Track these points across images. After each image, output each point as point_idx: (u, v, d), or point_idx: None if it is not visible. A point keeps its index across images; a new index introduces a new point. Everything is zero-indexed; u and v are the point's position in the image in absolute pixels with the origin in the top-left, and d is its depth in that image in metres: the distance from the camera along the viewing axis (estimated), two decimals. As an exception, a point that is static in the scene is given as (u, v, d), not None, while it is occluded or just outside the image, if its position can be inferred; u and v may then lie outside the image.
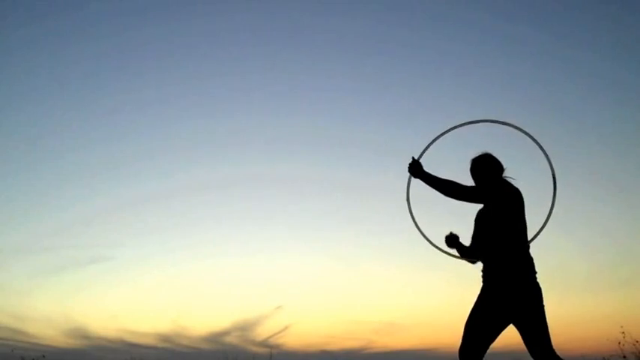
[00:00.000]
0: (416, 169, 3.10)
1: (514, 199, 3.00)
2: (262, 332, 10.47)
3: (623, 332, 6.64)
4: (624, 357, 6.63)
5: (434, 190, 3.03)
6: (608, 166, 12.42)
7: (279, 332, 10.03)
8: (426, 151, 3.29)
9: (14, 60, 12.23)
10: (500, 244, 2.96)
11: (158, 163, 12.68)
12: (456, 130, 3.28)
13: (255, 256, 11.72)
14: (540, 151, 3.29)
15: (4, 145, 12.26)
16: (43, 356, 7.67)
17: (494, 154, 3.13)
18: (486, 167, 3.09)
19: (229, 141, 12.60)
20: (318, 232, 11.48)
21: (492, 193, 2.99)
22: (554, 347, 2.89)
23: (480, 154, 3.14)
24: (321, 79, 12.80)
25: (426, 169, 3.07)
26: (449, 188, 2.98)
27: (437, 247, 3.25)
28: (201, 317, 11.00)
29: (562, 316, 10.76)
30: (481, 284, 3.05)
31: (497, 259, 2.96)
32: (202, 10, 12.50)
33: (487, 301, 2.98)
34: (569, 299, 11.27)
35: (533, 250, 3.01)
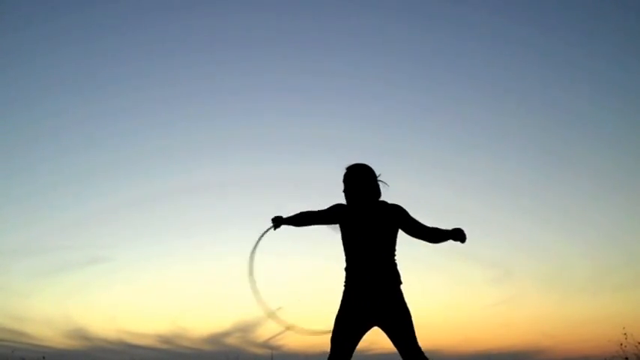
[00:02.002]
0: (278, 221, 3.39)
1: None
2: (263, 333, 10.43)
3: (625, 334, 6.62)
4: (626, 358, 6.60)
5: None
6: (610, 167, 12.39)
7: (280, 334, 9.99)
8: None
9: (14, 60, 12.24)
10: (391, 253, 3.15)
11: (158, 163, 12.68)
12: None
13: (256, 257, 11.67)
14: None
15: (3, 145, 12.26)
16: (43, 357, 7.67)
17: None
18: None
19: (229, 141, 12.59)
20: (319, 233, 11.43)
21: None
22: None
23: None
24: (322, 80, 12.78)
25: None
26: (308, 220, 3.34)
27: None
28: (201, 318, 10.98)
29: (564, 317, 10.75)
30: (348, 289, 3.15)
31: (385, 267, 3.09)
32: (202, 11, 12.49)
33: (354, 304, 3.09)
34: (571, 300, 11.25)
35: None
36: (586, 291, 11.32)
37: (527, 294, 11.40)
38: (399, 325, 3.03)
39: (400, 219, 3.16)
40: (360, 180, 3.17)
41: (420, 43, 12.58)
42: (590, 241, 11.89)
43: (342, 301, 3.15)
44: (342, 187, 3.25)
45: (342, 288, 3.18)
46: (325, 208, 3.28)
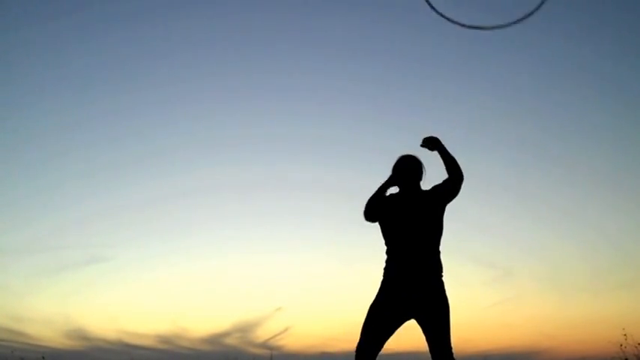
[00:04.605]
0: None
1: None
2: (262, 334, 10.44)
3: (625, 334, 6.61)
4: (626, 359, 6.59)
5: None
6: (610, 167, 12.40)
7: (280, 334, 10.01)
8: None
9: (14, 60, 12.23)
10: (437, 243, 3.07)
11: (158, 163, 12.67)
12: None
13: (255, 257, 11.69)
14: None
15: (3, 145, 12.26)
16: (43, 358, 7.65)
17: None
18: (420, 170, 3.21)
19: (229, 142, 12.59)
20: (319, 233, 11.45)
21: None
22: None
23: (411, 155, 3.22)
24: (322, 80, 12.79)
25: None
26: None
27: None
28: (201, 318, 10.98)
29: (564, 318, 10.74)
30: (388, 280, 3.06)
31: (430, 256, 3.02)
32: (201, 12, 12.50)
33: (393, 292, 3.01)
34: (570, 301, 11.24)
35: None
36: (586, 291, 11.33)
37: (527, 294, 11.41)
38: (437, 318, 2.93)
39: (437, 191, 3.11)
40: (412, 169, 3.15)
41: (420, 43, 12.58)
42: (590, 241, 11.90)
43: (381, 288, 3.04)
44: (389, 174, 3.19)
45: (381, 277, 3.07)
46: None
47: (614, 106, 12.53)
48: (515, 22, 3.27)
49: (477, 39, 12.62)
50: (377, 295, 3.04)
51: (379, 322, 2.97)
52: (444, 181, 3.13)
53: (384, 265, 3.10)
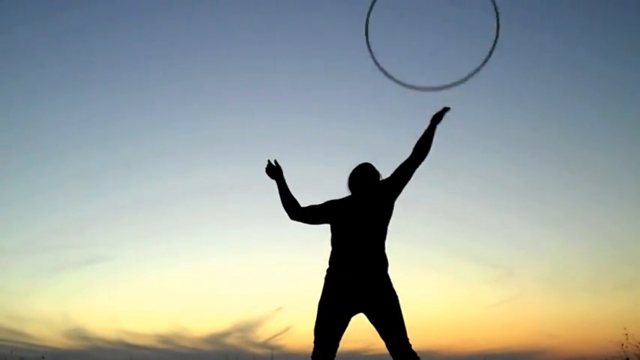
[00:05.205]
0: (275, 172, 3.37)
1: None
2: (263, 333, 10.43)
3: (626, 334, 6.60)
4: (627, 359, 6.58)
5: None
6: (610, 167, 12.37)
7: (280, 333, 9.99)
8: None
9: (14, 59, 12.22)
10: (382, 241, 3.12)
11: (158, 163, 12.65)
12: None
13: (256, 257, 11.68)
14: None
15: (3, 145, 12.25)
16: (42, 357, 7.65)
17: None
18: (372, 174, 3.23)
19: (229, 142, 12.57)
20: (320, 232, 11.41)
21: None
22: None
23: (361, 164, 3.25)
24: (323, 80, 12.77)
25: None
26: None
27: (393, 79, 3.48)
28: (201, 318, 10.97)
29: (565, 317, 10.73)
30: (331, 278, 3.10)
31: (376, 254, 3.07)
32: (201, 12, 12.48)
33: (336, 287, 3.05)
34: (571, 301, 11.23)
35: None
36: (587, 291, 11.31)
37: (528, 294, 11.40)
38: (386, 309, 2.95)
39: (388, 182, 3.16)
40: (360, 175, 3.20)
41: (419, 43, 12.56)
42: (591, 241, 11.89)
43: (324, 285, 3.08)
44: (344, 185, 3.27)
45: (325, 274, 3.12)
46: (317, 203, 3.30)
47: (614, 105, 12.51)
48: (453, 85, 3.44)
49: (478, 39, 12.61)
50: (322, 293, 3.07)
51: (329, 319, 2.98)
52: (398, 167, 3.16)
53: (327, 266, 3.13)
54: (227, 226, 12.02)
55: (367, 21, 3.56)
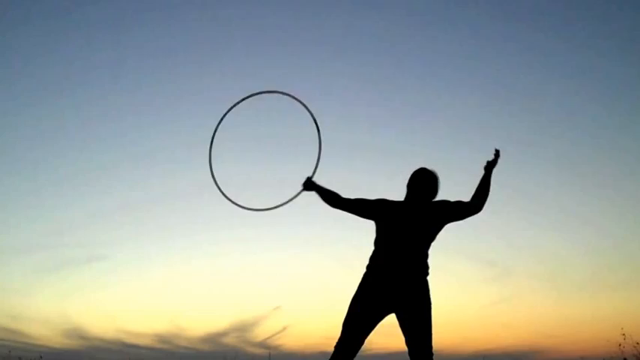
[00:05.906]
0: (309, 185, 3.45)
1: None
2: (261, 333, 10.45)
3: (623, 334, 6.63)
4: (625, 359, 6.60)
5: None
6: (609, 166, 12.40)
7: (278, 333, 10.01)
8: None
9: (14, 60, 12.21)
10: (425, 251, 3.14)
11: (157, 163, 12.65)
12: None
13: (253, 257, 11.70)
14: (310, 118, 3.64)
15: (3, 145, 12.24)
16: (41, 357, 7.67)
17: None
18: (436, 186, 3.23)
19: (228, 142, 12.55)
20: (317, 232, 11.44)
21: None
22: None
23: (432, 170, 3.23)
24: (322, 80, 12.78)
25: None
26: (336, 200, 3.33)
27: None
28: (199, 318, 10.99)
29: (562, 317, 10.75)
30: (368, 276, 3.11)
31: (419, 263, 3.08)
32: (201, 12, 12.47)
33: (374, 285, 3.06)
34: (569, 300, 11.26)
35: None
36: (585, 291, 11.35)
37: (526, 294, 11.43)
38: (419, 314, 2.97)
39: (445, 210, 3.14)
40: (427, 183, 3.17)
41: (419, 43, 12.58)
42: (590, 241, 11.93)
43: (362, 282, 3.09)
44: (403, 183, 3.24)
45: (364, 271, 3.12)
46: (370, 198, 3.27)
47: (613, 105, 12.54)
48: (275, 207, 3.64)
49: (478, 39, 12.63)
50: (358, 290, 3.08)
51: (362, 314, 3.00)
52: (460, 204, 3.16)
53: (367, 262, 3.14)
54: (225, 226, 12.03)
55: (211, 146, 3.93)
